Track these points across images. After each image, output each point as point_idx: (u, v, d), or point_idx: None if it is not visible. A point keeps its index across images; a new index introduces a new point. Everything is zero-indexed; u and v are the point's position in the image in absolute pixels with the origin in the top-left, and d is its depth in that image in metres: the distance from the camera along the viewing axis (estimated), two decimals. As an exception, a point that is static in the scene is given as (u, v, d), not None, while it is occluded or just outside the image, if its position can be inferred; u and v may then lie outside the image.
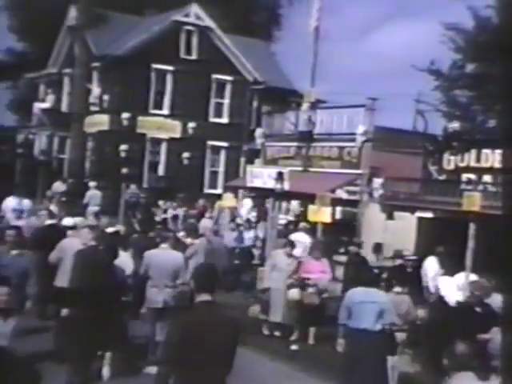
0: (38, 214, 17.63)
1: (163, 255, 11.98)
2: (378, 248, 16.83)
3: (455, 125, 21.71)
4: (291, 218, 23.29)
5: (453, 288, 12.55)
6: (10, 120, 49.02)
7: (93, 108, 36.19)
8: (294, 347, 14.02)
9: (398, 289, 11.60)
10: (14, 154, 33.72)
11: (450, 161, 19.81)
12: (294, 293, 14.47)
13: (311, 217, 17.81)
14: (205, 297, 6.37)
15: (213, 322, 6.34)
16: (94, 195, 27.43)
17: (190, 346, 6.12)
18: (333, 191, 20.50)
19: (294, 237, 17.31)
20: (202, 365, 6.16)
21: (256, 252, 20.83)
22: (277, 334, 14.80)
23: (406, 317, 11.39)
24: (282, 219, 21.91)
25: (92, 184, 28.88)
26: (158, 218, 25.13)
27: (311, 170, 23.19)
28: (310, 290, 14.41)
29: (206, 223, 21.27)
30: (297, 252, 15.69)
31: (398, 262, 15.85)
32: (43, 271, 12.33)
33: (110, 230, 15.20)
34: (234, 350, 6.38)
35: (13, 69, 52.16)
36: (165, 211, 25.96)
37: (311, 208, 17.74)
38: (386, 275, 13.36)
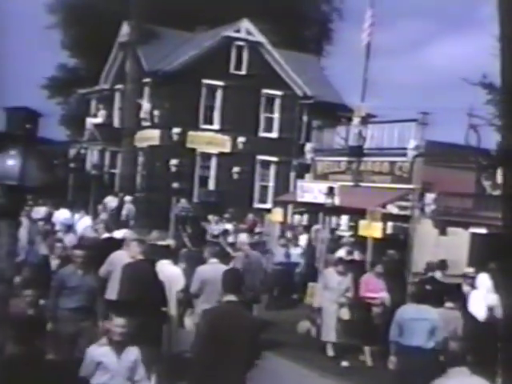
0: (95, 228, 17.81)
1: (214, 270, 11.87)
2: (442, 265, 16.48)
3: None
4: (341, 233, 23.09)
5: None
6: (63, 135, 49.78)
7: (144, 123, 36.52)
8: (344, 363, 13.84)
9: (449, 304, 11.37)
10: (66, 168, 34.14)
11: (504, 176, 19.42)
12: (345, 313, 14.17)
13: (362, 232, 17.65)
14: (230, 297, 7.46)
15: (236, 318, 7.32)
16: (130, 210, 27.61)
17: (215, 339, 7.12)
18: (384, 206, 20.25)
19: (341, 252, 17.15)
20: (225, 355, 7.06)
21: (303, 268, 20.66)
22: (329, 353, 14.42)
23: (456, 332, 11.13)
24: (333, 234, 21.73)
25: (127, 198, 29.07)
26: (207, 233, 25.16)
27: (362, 184, 22.98)
28: (376, 309, 14.06)
29: (243, 238, 21.18)
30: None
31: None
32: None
33: (159, 243, 15.22)
34: (255, 344, 7.33)
35: (65, 85, 53.04)
36: (214, 226, 25.98)
37: (362, 223, 17.58)
38: (436, 290, 13.08)
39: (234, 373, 7.21)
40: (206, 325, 7.40)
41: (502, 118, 4.37)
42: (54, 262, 12.67)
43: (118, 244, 14.07)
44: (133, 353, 7.47)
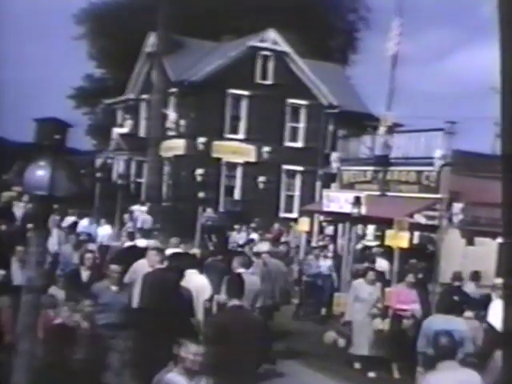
0: (119, 237, 17.90)
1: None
2: (476, 275, 16.31)
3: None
4: (368, 242, 22.99)
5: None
6: (89, 145, 50.11)
7: (169, 133, 36.71)
8: (371, 374, 13.73)
9: (468, 313, 11.25)
10: (92, 178, 34.34)
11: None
12: (379, 323, 13.93)
13: (388, 242, 17.55)
14: (235, 302, 8.19)
15: (241, 320, 7.97)
16: (145, 220, 27.65)
17: (223, 339, 7.64)
18: (411, 216, 20.13)
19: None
20: (234, 356, 7.54)
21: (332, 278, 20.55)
22: (357, 366, 14.17)
23: (475, 342, 11.01)
24: (359, 244, 21.66)
25: (143, 208, 29.13)
26: (233, 242, 25.15)
27: (388, 194, 22.85)
28: (406, 321, 13.67)
29: (262, 246, 21.21)
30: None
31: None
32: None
33: (175, 251, 15.25)
34: (259, 344, 7.94)
35: (91, 95, 53.47)
36: (240, 235, 25.98)
37: (389, 233, 17.49)
38: (457, 300, 12.90)
39: (244, 373, 7.74)
40: (215, 327, 8.08)
41: (503, 121, 4.24)
42: (85, 273, 12.58)
43: (141, 253, 14.14)
44: (205, 381, 7.18)
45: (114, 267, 10.51)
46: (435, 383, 7.24)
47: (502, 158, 4.42)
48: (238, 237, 25.69)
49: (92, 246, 16.58)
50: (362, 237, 23.53)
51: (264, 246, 19.56)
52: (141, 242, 15.92)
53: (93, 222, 22.94)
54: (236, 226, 26.82)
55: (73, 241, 16.44)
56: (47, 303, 10.16)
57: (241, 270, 12.06)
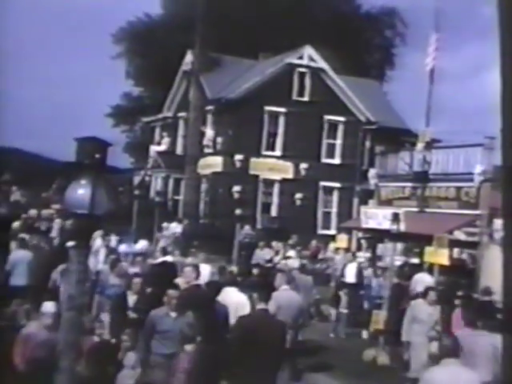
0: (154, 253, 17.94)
1: (288, 296, 11.93)
2: None
3: None
4: (407, 259, 22.75)
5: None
6: (127, 162, 50.61)
7: (206, 150, 36.84)
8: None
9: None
10: (131, 195, 34.60)
11: None
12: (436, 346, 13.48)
13: (428, 258, 17.36)
14: (262, 305, 8.98)
15: (266, 322, 8.86)
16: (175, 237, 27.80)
17: (249, 339, 8.47)
18: (451, 232, 19.92)
19: (416, 277, 16.86)
20: (258, 354, 8.29)
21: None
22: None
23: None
24: (398, 260, 21.43)
25: (173, 225, 29.45)
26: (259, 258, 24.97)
27: (428, 210, 22.67)
28: None
29: (289, 262, 21.17)
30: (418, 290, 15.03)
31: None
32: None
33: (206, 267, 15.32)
34: (283, 345, 8.68)
35: (130, 113, 54.03)
36: (277, 252, 25.85)
37: (428, 249, 17.29)
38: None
39: (267, 371, 8.50)
40: (242, 328, 8.88)
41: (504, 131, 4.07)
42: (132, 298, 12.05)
43: (172, 268, 14.12)
44: None
45: (171, 292, 9.98)
46: (434, 375, 7.92)
47: (503, 169, 4.27)
48: (261, 253, 25.21)
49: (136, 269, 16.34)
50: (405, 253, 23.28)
51: (294, 263, 19.53)
52: (168, 259, 16.02)
53: (131, 242, 22.91)
54: (274, 243, 26.65)
55: (110, 261, 16.27)
56: (94, 328, 10.25)
57: (284, 287, 12.19)
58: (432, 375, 7.96)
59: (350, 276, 19.61)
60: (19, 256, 15.41)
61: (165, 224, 30.31)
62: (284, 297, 11.87)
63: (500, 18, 3.90)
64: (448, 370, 7.77)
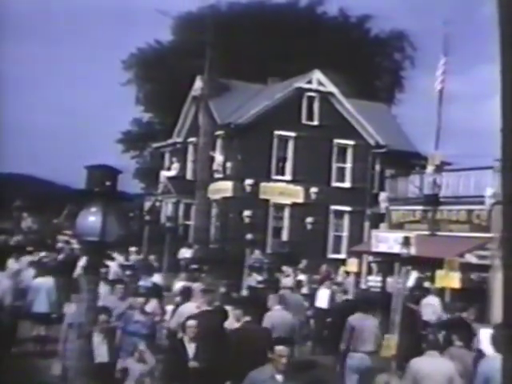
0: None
1: (280, 316, 12.37)
2: None
3: None
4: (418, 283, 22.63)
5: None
6: (137, 188, 50.72)
7: (216, 175, 36.89)
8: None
9: (458, 343, 10.92)
10: (141, 220, 34.64)
11: None
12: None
13: (439, 282, 17.28)
14: (247, 318, 10.52)
15: (252, 333, 10.24)
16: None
17: (240, 348, 9.78)
18: (462, 255, 19.83)
19: (425, 301, 16.78)
20: (249, 360, 8.75)
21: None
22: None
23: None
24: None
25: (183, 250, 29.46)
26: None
27: (439, 233, 22.59)
28: None
29: (285, 281, 21.17)
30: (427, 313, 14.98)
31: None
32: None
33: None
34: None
35: (139, 139, 54.27)
36: (288, 276, 25.76)
37: (439, 273, 17.23)
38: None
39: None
40: (234, 339, 10.22)
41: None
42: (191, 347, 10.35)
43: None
44: None
45: (189, 323, 9.65)
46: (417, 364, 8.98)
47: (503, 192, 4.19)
48: (286, 279, 25.26)
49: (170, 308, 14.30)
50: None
51: (288, 282, 19.53)
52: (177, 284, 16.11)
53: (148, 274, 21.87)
54: (284, 268, 26.53)
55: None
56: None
57: (277, 307, 12.61)
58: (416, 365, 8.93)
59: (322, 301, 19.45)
60: (40, 283, 15.18)
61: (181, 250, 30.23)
62: (277, 316, 12.41)
63: (500, 17, 3.88)
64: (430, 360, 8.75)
